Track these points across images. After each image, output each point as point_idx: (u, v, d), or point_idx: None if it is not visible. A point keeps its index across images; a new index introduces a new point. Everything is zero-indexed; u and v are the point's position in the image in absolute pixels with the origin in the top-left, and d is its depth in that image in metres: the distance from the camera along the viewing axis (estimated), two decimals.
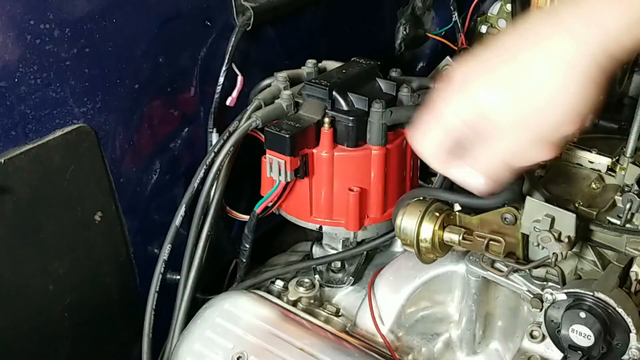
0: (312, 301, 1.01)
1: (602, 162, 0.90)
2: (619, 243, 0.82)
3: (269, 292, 1.01)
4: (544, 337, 0.86)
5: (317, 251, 1.05)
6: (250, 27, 1.02)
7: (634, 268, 0.79)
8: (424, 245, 0.86)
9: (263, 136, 0.94)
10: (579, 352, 0.78)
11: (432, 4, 1.41)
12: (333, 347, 0.90)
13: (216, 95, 1.03)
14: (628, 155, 0.87)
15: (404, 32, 1.39)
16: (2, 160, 0.80)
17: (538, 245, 0.80)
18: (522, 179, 0.80)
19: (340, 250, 1.02)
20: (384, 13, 1.36)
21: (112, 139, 0.93)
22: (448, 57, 1.35)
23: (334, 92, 0.93)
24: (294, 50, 1.14)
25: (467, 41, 1.39)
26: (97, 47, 0.87)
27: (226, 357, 0.91)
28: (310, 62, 1.04)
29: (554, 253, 0.79)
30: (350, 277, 1.03)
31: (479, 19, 1.40)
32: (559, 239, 0.79)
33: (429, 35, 1.41)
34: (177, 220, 0.98)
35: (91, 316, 0.98)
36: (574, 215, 0.78)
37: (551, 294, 0.79)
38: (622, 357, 0.77)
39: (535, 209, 0.80)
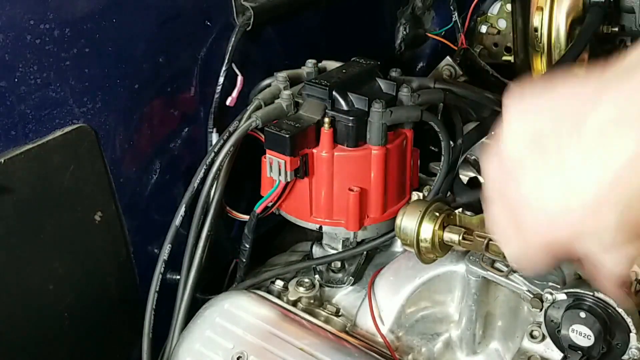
0: (312, 301, 1.01)
1: None
2: None
3: (269, 292, 1.01)
4: (544, 337, 0.86)
5: (317, 251, 1.05)
6: (250, 27, 1.02)
7: (634, 268, 0.79)
8: (424, 245, 0.86)
9: (263, 136, 0.94)
10: (579, 352, 0.78)
11: (432, 4, 1.41)
12: (333, 347, 0.90)
13: (216, 95, 1.03)
14: None
15: (404, 32, 1.39)
16: (2, 160, 0.80)
17: None
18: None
19: (340, 250, 1.02)
20: (384, 13, 1.36)
21: (112, 139, 0.93)
22: (448, 57, 1.35)
23: (334, 92, 0.93)
24: (294, 50, 1.15)
25: (467, 41, 1.39)
26: (97, 47, 0.87)
27: (226, 357, 0.91)
28: (310, 62, 1.04)
29: None
30: (350, 277, 1.03)
31: (479, 19, 1.40)
32: None
33: (429, 35, 1.42)
34: (177, 220, 0.98)
35: (91, 316, 0.98)
36: None
37: (551, 294, 0.79)
38: (622, 357, 0.77)
39: None
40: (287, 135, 0.89)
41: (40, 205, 0.86)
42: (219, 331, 0.93)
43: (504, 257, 0.84)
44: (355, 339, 0.94)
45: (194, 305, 1.00)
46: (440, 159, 1.01)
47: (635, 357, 0.76)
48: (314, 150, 0.93)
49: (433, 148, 1.16)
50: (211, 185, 0.97)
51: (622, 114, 0.48)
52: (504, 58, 1.42)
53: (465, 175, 1.21)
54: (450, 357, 0.97)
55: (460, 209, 0.94)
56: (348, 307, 1.01)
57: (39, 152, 0.84)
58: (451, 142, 1.01)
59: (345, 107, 0.93)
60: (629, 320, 0.75)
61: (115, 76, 0.91)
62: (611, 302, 0.75)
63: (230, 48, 1.01)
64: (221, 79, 1.02)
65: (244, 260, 1.03)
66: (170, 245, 0.98)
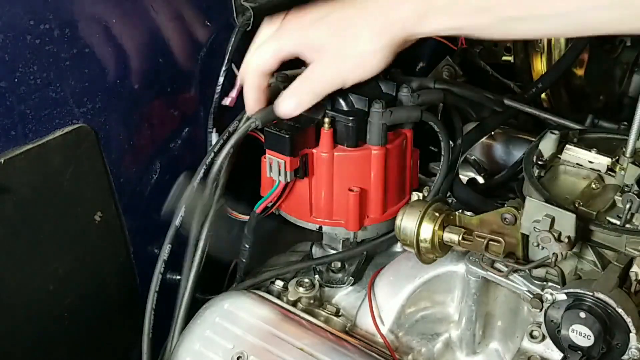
0: (312, 301, 1.01)
1: (602, 162, 0.90)
2: (619, 243, 0.82)
3: (269, 292, 1.01)
4: (543, 337, 0.86)
5: (317, 251, 1.05)
6: (250, 27, 1.02)
7: (634, 268, 0.79)
8: (424, 246, 0.86)
9: (263, 136, 0.94)
10: (579, 352, 0.78)
11: None
12: (333, 347, 0.90)
13: (216, 96, 1.03)
14: (628, 155, 0.87)
15: None
16: (2, 160, 0.80)
17: (538, 245, 0.81)
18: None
19: (340, 250, 1.02)
20: None
21: (112, 139, 0.93)
22: (448, 57, 1.34)
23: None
24: None
25: (467, 41, 1.39)
26: (97, 47, 0.87)
27: (226, 357, 0.91)
28: None
29: (553, 253, 0.79)
30: (350, 277, 1.03)
31: None
32: (558, 239, 0.79)
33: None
34: (177, 221, 0.98)
35: (91, 316, 0.98)
36: (574, 215, 0.78)
37: (551, 294, 0.79)
38: (622, 357, 0.77)
39: (535, 209, 0.80)
40: (287, 136, 0.89)
41: (40, 205, 0.86)
42: (218, 331, 0.93)
43: (504, 257, 0.84)
44: (355, 339, 0.94)
45: (194, 305, 1.00)
46: (440, 159, 1.01)
47: (635, 357, 0.76)
48: (314, 151, 0.93)
49: (433, 148, 1.16)
50: (211, 186, 0.97)
51: None
52: (504, 58, 1.42)
53: (465, 175, 1.21)
54: (450, 357, 0.97)
55: (460, 209, 0.94)
56: (348, 307, 1.01)
57: (39, 152, 0.84)
58: (451, 142, 1.01)
59: (345, 107, 0.93)
60: (628, 320, 0.75)
61: (115, 76, 0.91)
62: (611, 302, 0.75)
63: (230, 48, 1.01)
64: (221, 79, 1.02)
65: (244, 260, 1.04)
66: (170, 245, 0.98)
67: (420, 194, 1.01)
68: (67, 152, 0.87)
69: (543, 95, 1.35)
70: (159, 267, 0.98)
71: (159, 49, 0.96)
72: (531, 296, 0.84)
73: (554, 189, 0.89)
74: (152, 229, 1.02)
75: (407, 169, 1.01)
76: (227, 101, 1.03)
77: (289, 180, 0.92)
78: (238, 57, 1.03)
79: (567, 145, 0.93)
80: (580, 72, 1.39)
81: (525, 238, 0.83)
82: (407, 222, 0.86)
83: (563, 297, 0.78)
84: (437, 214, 0.86)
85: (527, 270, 0.86)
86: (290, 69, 1.02)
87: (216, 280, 1.13)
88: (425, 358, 0.96)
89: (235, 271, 1.07)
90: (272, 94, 0.98)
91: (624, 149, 0.88)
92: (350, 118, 0.91)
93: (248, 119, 0.96)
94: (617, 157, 0.89)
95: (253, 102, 0.93)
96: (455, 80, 1.33)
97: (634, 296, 0.78)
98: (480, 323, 0.94)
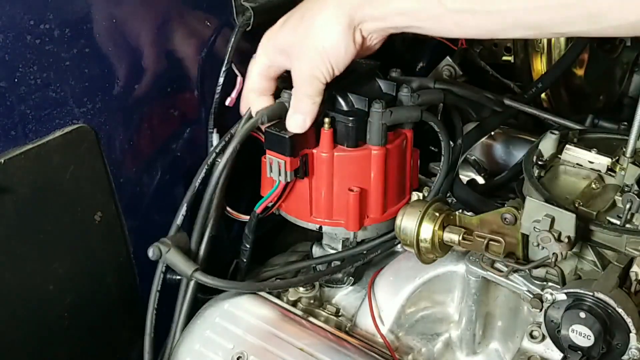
0: (312, 301, 1.01)
1: (602, 162, 0.90)
2: (619, 243, 0.82)
3: (269, 292, 1.01)
4: (543, 337, 0.86)
5: (317, 251, 1.05)
6: (250, 27, 1.02)
7: (634, 268, 0.79)
8: (424, 245, 0.86)
9: (263, 136, 0.94)
10: (579, 352, 0.78)
11: None
12: (333, 347, 0.90)
13: (216, 96, 1.03)
14: (628, 155, 0.87)
15: (404, 32, 1.38)
16: (2, 160, 0.80)
17: (538, 245, 0.81)
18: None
19: (340, 250, 1.02)
20: None
21: (112, 139, 0.93)
22: (448, 57, 1.34)
23: (333, 92, 0.93)
24: None
25: (467, 41, 1.39)
26: (97, 47, 0.87)
27: (226, 357, 0.91)
28: None
29: (553, 253, 0.79)
30: (350, 277, 1.03)
31: None
32: (558, 239, 0.79)
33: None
34: (179, 220, 0.98)
35: (91, 316, 0.98)
36: (574, 215, 0.78)
37: (551, 294, 0.79)
38: (622, 357, 0.77)
39: (535, 209, 0.80)
40: (287, 136, 0.89)
41: (40, 205, 0.86)
42: (219, 331, 0.93)
43: (504, 257, 0.84)
44: (355, 339, 0.94)
45: (194, 305, 1.00)
46: (440, 159, 1.01)
47: (635, 357, 0.76)
48: (314, 151, 0.93)
49: (433, 148, 1.17)
50: (215, 186, 0.97)
51: None
52: (504, 58, 1.42)
53: (465, 176, 1.21)
54: (450, 357, 0.97)
55: (460, 209, 0.94)
56: (348, 307, 1.01)
57: (39, 152, 0.84)
58: (451, 142, 1.01)
59: (345, 108, 0.93)
60: (628, 320, 0.75)
61: (115, 76, 0.91)
62: (611, 302, 0.75)
63: (230, 48, 1.01)
64: (221, 79, 1.02)
65: (244, 260, 1.03)
66: None
67: (420, 194, 1.01)
68: (67, 152, 0.87)
69: (543, 95, 1.35)
70: (160, 266, 0.98)
71: (159, 49, 0.96)
72: (531, 296, 0.84)
73: (554, 189, 0.89)
74: (152, 229, 1.02)
75: (407, 169, 1.01)
76: (227, 101, 1.03)
77: (289, 180, 0.92)
78: (238, 57, 1.03)
79: (567, 145, 0.93)
80: (580, 72, 1.39)
81: (525, 238, 0.83)
82: (407, 222, 0.86)
83: (563, 297, 0.78)
84: (437, 214, 0.86)
85: (527, 270, 0.86)
86: None
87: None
88: (425, 358, 0.96)
89: (235, 271, 1.07)
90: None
91: (624, 149, 0.88)
92: (350, 118, 0.92)
93: (250, 117, 0.96)
94: (617, 157, 0.89)
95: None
96: (455, 80, 1.33)
97: (634, 296, 0.78)
98: (480, 323, 0.94)
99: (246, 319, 0.94)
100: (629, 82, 1.58)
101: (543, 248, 0.80)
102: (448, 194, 1.04)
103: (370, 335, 0.96)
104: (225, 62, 1.02)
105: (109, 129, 0.92)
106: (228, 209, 1.04)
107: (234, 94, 1.03)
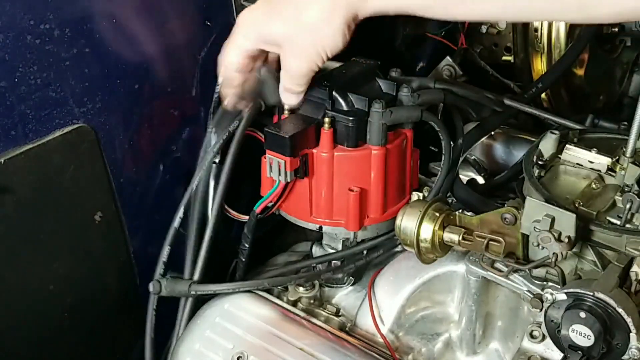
0: (312, 301, 1.01)
1: (602, 162, 0.90)
2: (619, 243, 0.82)
3: (269, 292, 1.01)
4: (544, 337, 0.86)
5: (317, 251, 1.05)
6: None
7: (634, 268, 0.79)
8: (424, 245, 0.86)
9: (263, 136, 0.94)
10: (579, 352, 0.78)
11: None
12: (333, 347, 0.90)
13: (215, 95, 1.03)
14: (628, 155, 0.87)
15: (404, 32, 1.38)
16: (2, 160, 0.80)
17: (538, 245, 0.81)
18: None
19: (340, 249, 1.02)
20: None
21: (112, 139, 0.93)
22: (448, 57, 1.34)
23: (334, 92, 0.93)
24: None
25: (467, 41, 1.39)
26: (97, 47, 0.87)
27: (226, 357, 0.91)
28: None
29: (554, 253, 0.79)
30: (350, 277, 1.03)
31: None
32: (559, 239, 0.79)
33: (429, 35, 1.41)
34: (176, 222, 0.98)
35: (91, 316, 0.98)
36: (574, 215, 0.78)
37: (551, 294, 0.79)
38: (622, 357, 0.77)
39: (535, 209, 0.80)
40: (287, 136, 0.89)
41: (40, 205, 0.86)
42: (219, 331, 0.93)
43: (504, 257, 0.84)
44: (355, 339, 0.94)
45: (195, 305, 1.00)
46: (440, 159, 1.01)
47: (635, 357, 0.76)
48: (314, 151, 0.93)
49: (433, 148, 1.16)
50: (215, 186, 0.97)
51: None
52: (504, 58, 1.42)
53: (465, 175, 1.21)
54: (450, 357, 0.97)
55: (460, 209, 0.94)
56: (348, 307, 1.01)
57: (39, 152, 0.84)
58: (451, 142, 1.01)
59: (345, 107, 0.93)
60: (629, 320, 0.74)
61: (115, 76, 0.91)
62: (611, 302, 0.75)
63: None
64: (220, 79, 1.02)
65: (244, 260, 1.03)
66: (169, 247, 0.98)
67: (420, 194, 1.01)
68: (67, 152, 0.87)
69: (543, 95, 1.35)
70: (159, 269, 0.98)
71: (159, 49, 0.96)
72: (531, 296, 0.84)
73: (554, 189, 0.89)
74: (153, 229, 1.02)
75: (407, 169, 1.01)
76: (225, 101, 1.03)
77: (289, 180, 0.92)
78: None
79: (567, 145, 0.93)
80: (580, 72, 1.39)
81: (525, 238, 0.83)
82: (407, 222, 0.86)
83: (563, 297, 0.78)
84: (437, 214, 0.86)
85: (527, 270, 0.86)
86: None
87: (216, 280, 1.13)
88: (425, 358, 0.96)
89: (235, 271, 1.07)
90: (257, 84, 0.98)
91: (624, 149, 0.88)
92: (350, 118, 0.92)
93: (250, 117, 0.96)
94: (617, 157, 0.89)
95: (232, 98, 0.95)
96: (455, 80, 1.33)
97: (634, 296, 0.78)
98: (481, 323, 0.94)
99: (246, 319, 0.94)
100: (629, 82, 1.58)
101: (543, 248, 0.80)
102: (448, 194, 1.04)
103: (371, 335, 0.96)
104: None
105: (109, 129, 0.92)
106: (228, 208, 1.04)
107: None
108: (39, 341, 0.92)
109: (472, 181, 1.17)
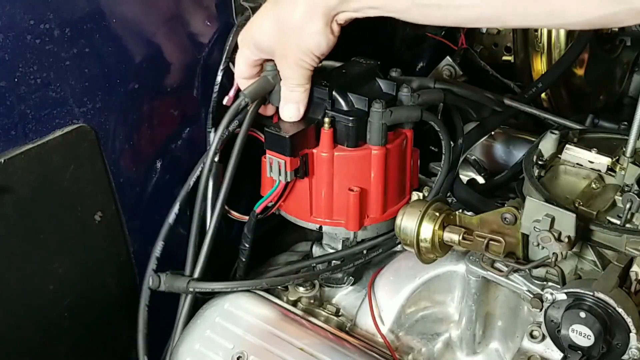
0: (312, 301, 1.01)
1: (602, 162, 0.90)
2: (619, 243, 0.82)
3: (269, 292, 1.01)
4: (544, 337, 0.86)
5: (317, 251, 1.05)
6: None
7: (634, 268, 0.79)
8: (424, 245, 0.86)
9: (263, 136, 0.94)
10: (579, 352, 0.78)
11: None
12: (333, 347, 0.90)
13: (214, 95, 1.03)
14: (628, 155, 0.87)
15: (404, 32, 1.39)
16: (2, 160, 0.80)
17: (538, 245, 0.81)
18: None
19: (340, 249, 1.02)
20: None
21: (112, 139, 0.93)
22: (448, 57, 1.35)
23: (334, 92, 0.93)
24: None
25: (467, 41, 1.39)
26: (97, 47, 0.87)
27: (226, 357, 0.91)
28: None
29: (554, 253, 0.79)
30: (350, 277, 1.03)
31: None
32: (559, 239, 0.79)
33: (429, 35, 1.41)
34: (171, 218, 0.98)
35: (91, 316, 0.98)
36: (574, 215, 0.78)
37: (551, 294, 0.79)
38: (622, 357, 0.77)
39: (535, 208, 0.80)
40: (287, 136, 0.89)
41: (40, 205, 0.86)
42: (219, 331, 0.93)
43: (504, 257, 0.84)
44: (355, 339, 0.94)
45: (194, 305, 1.00)
46: (440, 159, 1.01)
47: (635, 357, 0.76)
48: (314, 151, 0.93)
49: (433, 148, 1.17)
50: (213, 185, 0.97)
51: None
52: (504, 58, 1.42)
53: (465, 175, 1.21)
54: (450, 357, 0.97)
55: (460, 209, 0.94)
56: (348, 307, 1.01)
57: (39, 152, 0.84)
58: (451, 142, 1.01)
59: (345, 107, 0.93)
60: (629, 320, 0.75)
61: (115, 76, 0.91)
62: (611, 302, 0.75)
63: (228, 47, 1.01)
64: (219, 78, 1.02)
65: (244, 260, 1.03)
66: (163, 242, 0.98)
67: (420, 194, 1.01)
68: (67, 152, 0.87)
69: (543, 95, 1.35)
70: (152, 264, 0.98)
71: (159, 49, 0.96)
72: (531, 296, 0.84)
73: (554, 188, 0.89)
74: (152, 229, 1.02)
75: (407, 169, 1.01)
76: (225, 100, 1.03)
77: (289, 180, 0.92)
78: None
79: (567, 145, 0.93)
80: (580, 72, 1.39)
81: (525, 238, 0.83)
82: (407, 221, 0.86)
83: (563, 296, 0.78)
84: (437, 214, 0.86)
85: (527, 270, 0.86)
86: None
87: (216, 280, 1.12)
88: (425, 358, 0.96)
89: (236, 271, 1.07)
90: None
91: (624, 149, 0.88)
92: (350, 118, 0.92)
93: (250, 117, 0.96)
94: (617, 157, 0.89)
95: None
96: (455, 80, 1.33)
97: (634, 296, 0.78)
98: (481, 323, 0.94)
99: (246, 318, 0.94)
100: (629, 82, 1.58)
101: (543, 248, 0.80)
102: (448, 194, 1.04)
103: (371, 335, 0.96)
104: (223, 61, 1.02)
105: (109, 129, 0.92)
106: (228, 209, 1.04)
107: (231, 93, 1.03)
108: (39, 341, 0.92)
109: (472, 181, 1.17)
